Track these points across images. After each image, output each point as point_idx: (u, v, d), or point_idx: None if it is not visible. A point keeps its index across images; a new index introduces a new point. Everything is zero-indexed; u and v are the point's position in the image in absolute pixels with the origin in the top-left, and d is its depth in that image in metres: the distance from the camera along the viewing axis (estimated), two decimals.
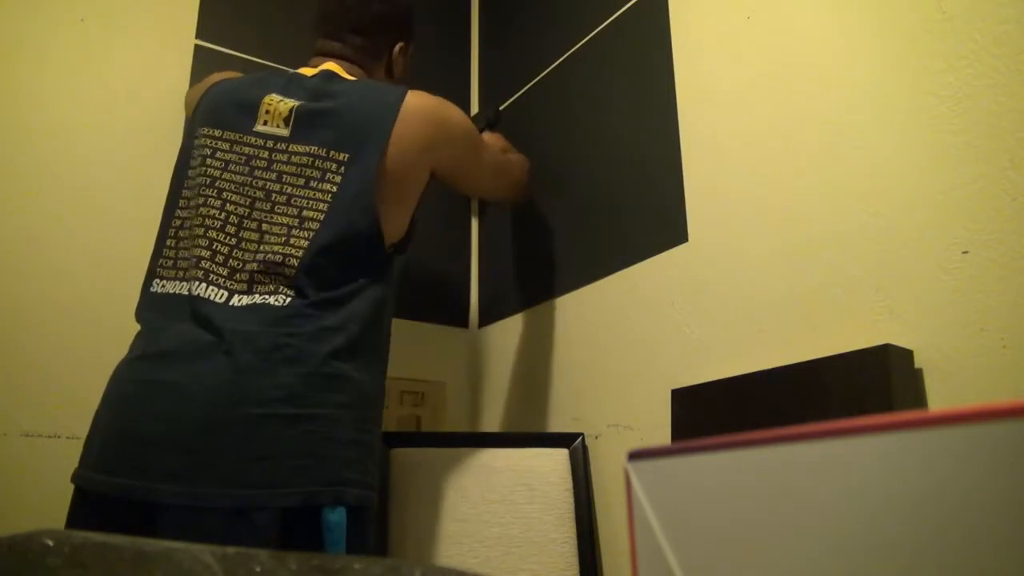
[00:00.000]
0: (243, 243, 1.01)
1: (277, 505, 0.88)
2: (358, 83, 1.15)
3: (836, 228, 0.98)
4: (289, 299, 0.97)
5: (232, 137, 1.08)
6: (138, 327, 1.03)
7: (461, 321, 1.72)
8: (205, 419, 0.89)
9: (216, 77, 1.22)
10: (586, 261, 1.41)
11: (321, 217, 1.01)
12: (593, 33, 1.51)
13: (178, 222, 1.06)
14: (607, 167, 1.41)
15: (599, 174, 1.42)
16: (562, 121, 1.56)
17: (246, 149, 1.07)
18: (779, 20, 1.12)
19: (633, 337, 1.28)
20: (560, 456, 1.31)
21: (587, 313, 1.39)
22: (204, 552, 0.30)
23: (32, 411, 1.19)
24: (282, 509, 0.88)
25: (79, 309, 1.27)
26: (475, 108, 1.89)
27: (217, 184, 1.05)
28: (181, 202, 1.07)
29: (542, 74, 1.65)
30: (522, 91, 1.71)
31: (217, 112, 1.11)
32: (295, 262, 0.99)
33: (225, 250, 1.01)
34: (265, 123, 1.08)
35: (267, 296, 0.97)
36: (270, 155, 1.06)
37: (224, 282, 0.99)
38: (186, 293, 0.99)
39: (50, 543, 0.28)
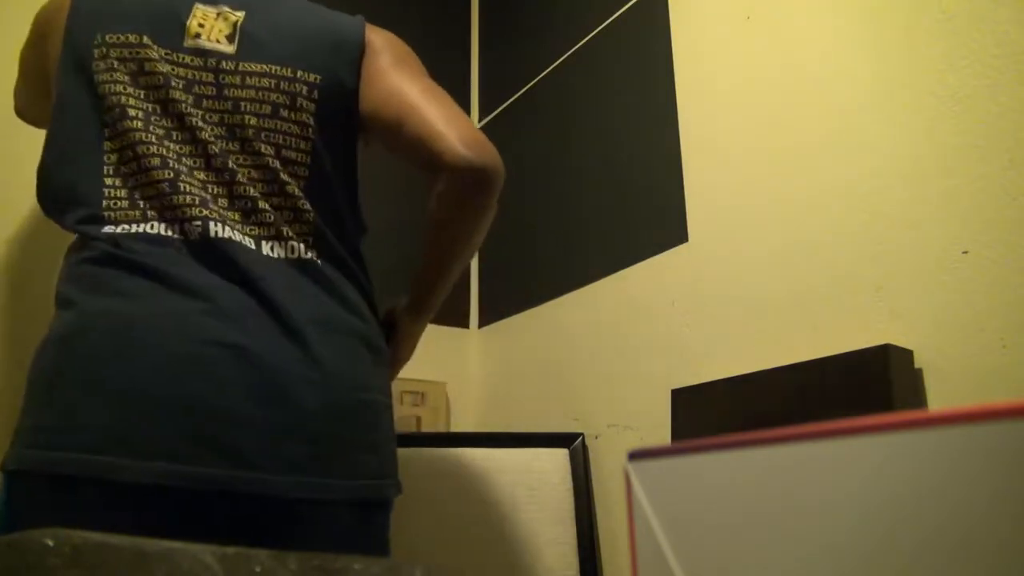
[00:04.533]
0: (236, 186, 0.84)
1: (355, 497, 0.79)
2: None
3: (836, 228, 0.98)
4: (312, 252, 0.85)
5: (156, 54, 0.84)
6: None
7: (461, 321, 1.72)
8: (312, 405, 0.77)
9: None
10: (586, 261, 1.41)
11: (307, 160, 0.87)
12: (593, 33, 1.51)
13: (114, 156, 0.83)
14: (607, 167, 1.41)
15: (599, 174, 1.42)
16: (562, 121, 1.56)
17: (180, 71, 0.85)
18: (779, 20, 1.12)
19: (633, 337, 1.28)
20: (560, 456, 1.31)
21: (587, 313, 1.39)
22: (204, 552, 0.30)
23: None
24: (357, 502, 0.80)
25: None
26: (475, 108, 1.89)
27: (173, 109, 0.84)
28: (106, 131, 0.83)
29: (542, 74, 1.65)
30: (522, 91, 1.71)
31: (119, 17, 0.86)
32: (303, 205, 0.85)
33: (217, 190, 0.84)
34: (198, 36, 0.86)
35: (293, 246, 0.84)
36: (216, 78, 0.85)
37: (241, 227, 0.83)
38: (180, 236, 0.80)
39: (50, 543, 0.28)
